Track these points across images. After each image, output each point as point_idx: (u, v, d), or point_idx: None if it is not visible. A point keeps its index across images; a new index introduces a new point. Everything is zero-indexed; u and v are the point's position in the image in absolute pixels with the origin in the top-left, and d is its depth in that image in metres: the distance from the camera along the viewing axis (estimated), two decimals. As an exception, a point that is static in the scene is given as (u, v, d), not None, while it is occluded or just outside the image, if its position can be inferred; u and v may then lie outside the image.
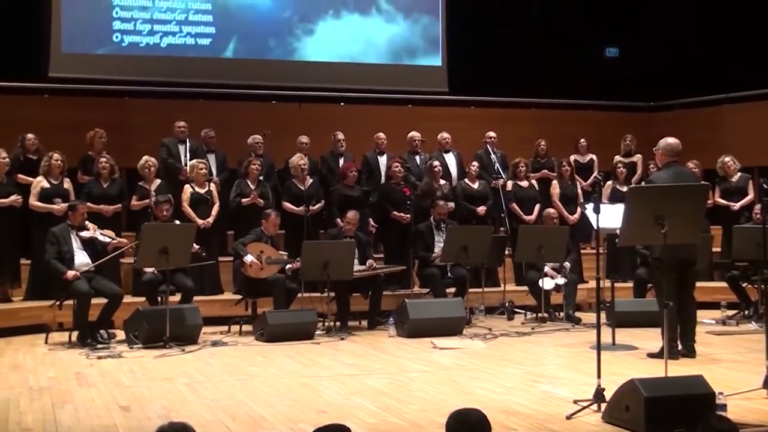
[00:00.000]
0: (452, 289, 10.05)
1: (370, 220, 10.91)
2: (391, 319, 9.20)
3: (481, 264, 10.08)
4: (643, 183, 11.10)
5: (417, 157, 11.87)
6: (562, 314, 9.96)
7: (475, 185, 11.40)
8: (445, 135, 12.04)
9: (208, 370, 7.33)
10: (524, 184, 11.52)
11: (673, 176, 7.38)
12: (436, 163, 11.21)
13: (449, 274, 10.08)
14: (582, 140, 12.72)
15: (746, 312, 9.85)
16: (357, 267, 9.47)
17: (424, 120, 13.39)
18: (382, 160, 11.65)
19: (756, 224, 9.83)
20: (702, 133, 13.99)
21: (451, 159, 11.98)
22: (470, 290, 9.93)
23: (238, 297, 9.53)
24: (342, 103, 14.02)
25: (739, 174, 11.39)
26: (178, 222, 9.50)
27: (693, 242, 6.72)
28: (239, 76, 13.61)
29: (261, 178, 10.89)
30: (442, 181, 11.17)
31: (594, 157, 12.69)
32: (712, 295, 10.29)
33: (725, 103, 14.49)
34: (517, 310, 10.44)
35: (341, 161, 11.52)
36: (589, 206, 7.57)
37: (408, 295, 10.10)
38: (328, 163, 11.66)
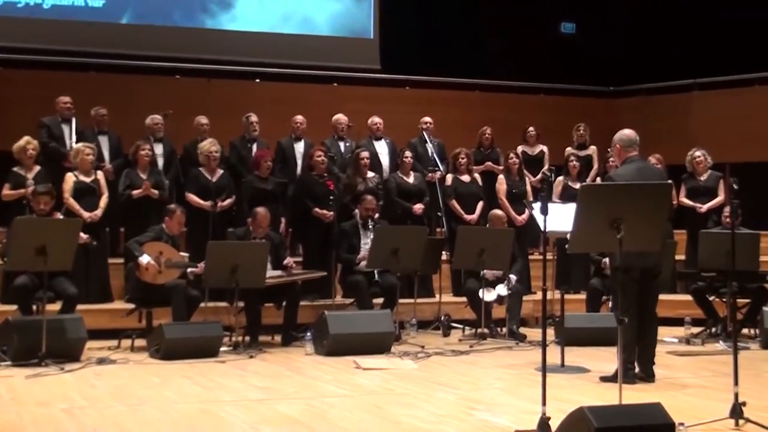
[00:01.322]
0: (380, 300, 10.05)
1: (283, 220, 10.85)
2: (309, 334, 9.14)
3: (414, 270, 10.09)
4: (599, 180, 11.28)
5: (342, 144, 11.86)
6: (504, 330, 10.00)
7: (411, 179, 11.41)
8: (376, 120, 12.05)
9: (91, 393, 7.20)
10: (465, 178, 11.56)
11: (637, 172, 7.47)
12: (365, 153, 11.18)
13: (377, 280, 10.06)
14: (530, 128, 12.79)
15: (713, 330, 9.99)
16: (270, 272, 9.40)
17: (352, 101, 13.41)
18: (299, 147, 11.65)
19: (725, 229, 10.02)
20: (668, 123, 14.25)
21: (382, 147, 12.00)
22: (400, 301, 9.92)
23: (131, 306, 9.39)
24: (257, 80, 13.98)
25: (709, 171, 11.55)
26: (60, 216, 9.32)
27: (652, 249, 6.79)
28: (137, 45, 13.44)
29: (161, 166, 10.75)
30: (371, 174, 11.16)
31: (545, 148, 12.80)
32: (674, 309, 10.45)
33: (695, 90, 14.76)
34: (454, 324, 10.46)
35: (254, 148, 11.44)
36: (537, 205, 7.63)
37: (329, 306, 10.07)
38: (239, 150, 11.58)
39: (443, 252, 10.91)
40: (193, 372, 8.04)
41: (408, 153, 11.50)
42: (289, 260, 9.69)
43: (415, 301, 10.26)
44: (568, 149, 12.49)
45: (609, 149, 7.87)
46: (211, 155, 10.62)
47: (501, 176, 11.71)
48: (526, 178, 11.83)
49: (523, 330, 10.10)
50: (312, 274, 10.03)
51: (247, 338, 9.33)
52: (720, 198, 11.36)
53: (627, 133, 7.72)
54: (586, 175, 12.21)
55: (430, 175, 11.55)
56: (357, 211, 10.45)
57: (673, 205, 8.56)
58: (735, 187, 6.73)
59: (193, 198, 10.52)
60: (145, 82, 13.13)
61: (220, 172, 10.72)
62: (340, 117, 11.96)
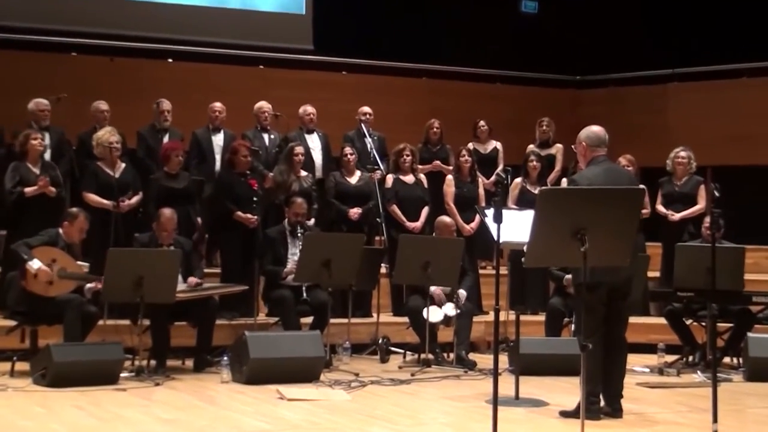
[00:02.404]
0: (308, 319, 10.04)
1: (199, 220, 10.81)
2: (225, 358, 9.10)
3: (349, 285, 10.09)
4: (564, 183, 11.34)
5: (266, 137, 11.88)
6: (452, 356, 10.04)
7: (354, 179, 11.44)
8: (309, 109, 12.08)
9: (-38, 425, 7.13)
10: (409, 178, 11.59)
11: (604, 175, 7.50)
12: (300, 148, 11.21)
13: (305, 297, 10.05)
14: (481, 122, 12.87)
15: (690, 358, 10.07)
16: (181, 286, 9.35)
17: (280, 87, 13.44)
18: (217, 140, 11.66)
19: (705, 242, 10.12)
20: (642, 119, 14.40)
21: (315, 141, 12.04)
22: (332, 321, 9.91)
23: (12, 323, 9.27)
24: (170, 60, 13.89)
25: (689, 176, 11.62)
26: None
27: (621, 264, 6.85)
28: (23, 16, 13.24)
29: (48, 158, 10.64)
30: (304, 173, 11.16)
31: (498, 145, 12.88)
32: (646, 334, 10.54)
33: (673, 81, 14.91)
34: (393, 348, 10.46)
35: (165, 140, 11.41)
36: (490, 212, 7.64)
37: (249, 325, 10.03)
38: (147, 141, 11.53)
39: (382, 264, 10.94)
40: (86, 401, 7.95)
41: (349, 149, 11.54)
42: (192, 279, 9.59)
43: (350, 321, 10.24)
44: (531, 147, 12.54)
45: (573, 146, 7.83)
46: (112, 146, 10.49)
47: (449, 177, 11.76)
48: (479, 180, 11.90)
49: (472, 356, 10.10)
50: (231, 288, 9.98)
51: (153, 362, 9.25)
52: (699, 206, 11.42)
53: (595, 130, 7.72)
54: (548, 177, 12.28)
55: (369, 175, 11.57)
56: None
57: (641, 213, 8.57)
58: (716, 194, 6.80)
59: (93, 198, 10.39)
60: (34, 59, 12.95)
61: (123, 165, 10.62)
62: (264, 105, 11.97)
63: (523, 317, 9.43)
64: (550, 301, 10.33)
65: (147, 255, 9.23)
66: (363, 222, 11.27)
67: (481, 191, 11.78)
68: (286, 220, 10.38)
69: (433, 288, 9.95)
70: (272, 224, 10.56)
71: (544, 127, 12.82)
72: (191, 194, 10.73)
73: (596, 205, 6.42)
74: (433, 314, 9.91)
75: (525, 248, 6.60)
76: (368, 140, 12.00)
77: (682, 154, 11.56)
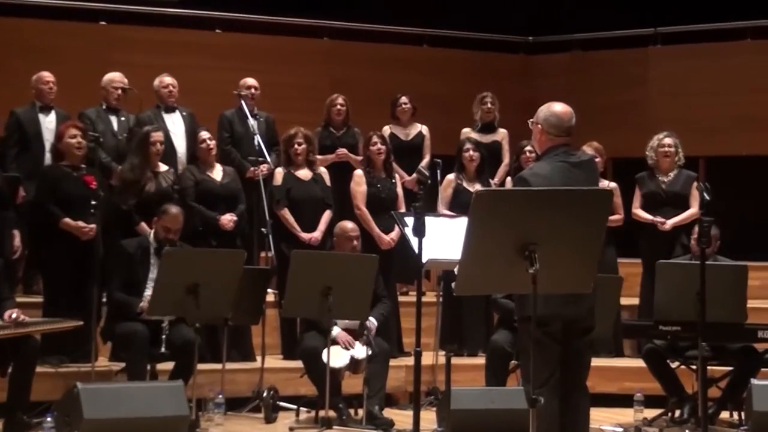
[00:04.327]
0: (168, 365, 9.96)
1: (16, 233, 10.67)
2: (50, 418, 8.95)
3: (223, 320, 10.06)
4: (509, 182, 11.38)
5: (114, 119, 11.84)
6: (361, 412, 10.00)
7: (218, 175, 11.40)
8: (167, 80, 12.09)
9: None
10: (304, 174, 11.57)
11: (561, 171, 7.48)
12: (159, 134, 11.09)
13: (164, 336, 9.94)
14: (403, 99, 12.89)
15: (677, 412, 10.12)
16: (-10, 321, 9.25)
17: (131, 50, 13.49)
18: (47, 122, 11.61)
19: (695, 259, 10.11)
20: (614, 94, 14.50)
21: (176, 123, 12.08)
22: (200, 366, 9.87)
23: None
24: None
25: (677, 170, 11.73)
26: None
27: (581, 291, 6.83)
28: None
29: None
30: (164, 167, 11.10)
31: (425, 129, 12.93)
32: (618, 381, 10.63)
33: (656, 43, 15.03)
34: (283, 404, 10.44)
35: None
36: (411, 220, 7.60)
37: (85, 374, 9.95)
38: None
39: (269, 291, 10.95)
40: None
41: (205, 134, 11.47)
42: (12, 312, 9.42)
43: (224, 366, 10.23)
44: (466, 131, 12.59)
45: (529, 121, 7.62)
46: None
47: (358, 172, 11.72)
48: (397, 176, 11.90)
49: (388, 412, 10.12)
50: (58, 323, 9.84)
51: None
52: (694, 209, 11.44)
53: (557, 111, 7.55)
54: (494, 171, 12.34)
55: (251, 169, 11.57)
56: (145, 226, 10.42)
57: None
58: (707, 196, 6.80)
59: None
60: None
61: None
62: (116, 76, 11.92)
63: (456, 360, 9.46)
64: (493, 338, 10.28)
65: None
66: (235, 232, 11.23)
67: (400, 191, 11.78)
68: (153, 233, 10.22)
69: (337, 330, 9.96)
70: (120, 237, 10.39)
71: (488, 105, 12.84)
72: (6, 196, 10.59)
73: (550, 212, 6.38)
74: (336, 357, 9.90)
75: (456, 270, 6.57)
76: (251, 122, 11.92)
77: (667, 141, 11.64)
